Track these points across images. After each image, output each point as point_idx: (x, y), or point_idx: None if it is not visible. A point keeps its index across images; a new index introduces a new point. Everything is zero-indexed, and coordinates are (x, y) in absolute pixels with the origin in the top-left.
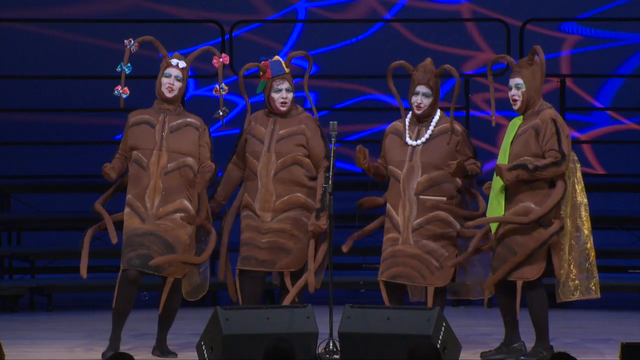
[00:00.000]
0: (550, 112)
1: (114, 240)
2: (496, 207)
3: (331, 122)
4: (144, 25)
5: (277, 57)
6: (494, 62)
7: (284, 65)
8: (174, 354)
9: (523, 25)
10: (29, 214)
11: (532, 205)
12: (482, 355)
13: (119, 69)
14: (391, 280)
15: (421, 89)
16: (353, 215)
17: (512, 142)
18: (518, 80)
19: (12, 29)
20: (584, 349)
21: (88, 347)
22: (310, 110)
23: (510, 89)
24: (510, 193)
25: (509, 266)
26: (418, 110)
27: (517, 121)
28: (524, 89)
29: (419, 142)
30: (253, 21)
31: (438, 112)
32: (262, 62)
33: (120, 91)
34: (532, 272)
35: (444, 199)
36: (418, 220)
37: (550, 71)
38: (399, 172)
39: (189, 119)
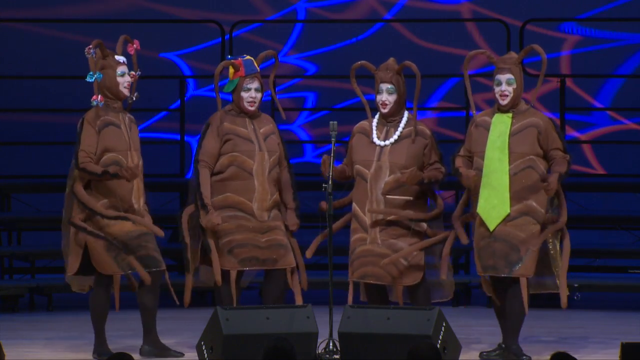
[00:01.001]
0: (539, 112)
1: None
2: (498, 204)
3: (331, 122)
4: (144, 25)
5: (248, 57)
6: (472, 58)
7: (255, 65)
8: (181, 354)
9: (523, 25)
10: (29, 214)
11: (535, 204)
12: (482, 355)
13: (90, 79)
14: (361, 280)
15: (384, 86)
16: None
17: (508, 139)
18: (510, 76)
19: (12, 29)
20: (584, 349)
21: (88, 347)
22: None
23: (500, 84)
24: (515, 191)
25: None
26: (384, 108)
27: (506, 119)
28: (514, 86)
29: (387, 142)
30: (253, 21)
31: (406, 114)
32: (233, 60)
33: (98, 100)
34: (532, 269)
35: (411, 198)
36: (385, 220)
37: (550, 71)
38: (367, 171)
39: (129, 115)
